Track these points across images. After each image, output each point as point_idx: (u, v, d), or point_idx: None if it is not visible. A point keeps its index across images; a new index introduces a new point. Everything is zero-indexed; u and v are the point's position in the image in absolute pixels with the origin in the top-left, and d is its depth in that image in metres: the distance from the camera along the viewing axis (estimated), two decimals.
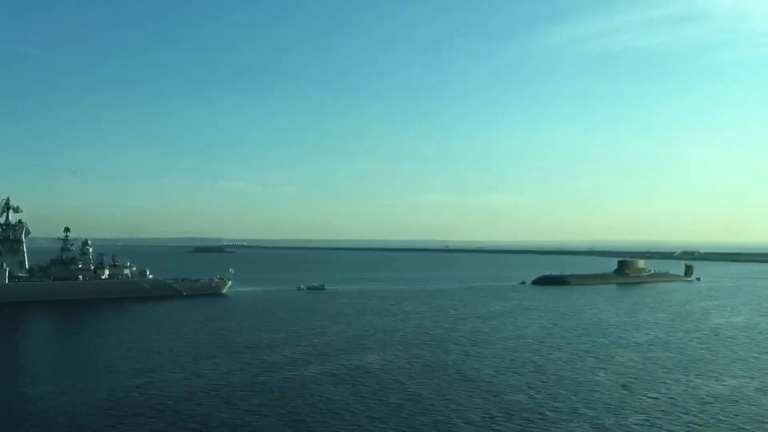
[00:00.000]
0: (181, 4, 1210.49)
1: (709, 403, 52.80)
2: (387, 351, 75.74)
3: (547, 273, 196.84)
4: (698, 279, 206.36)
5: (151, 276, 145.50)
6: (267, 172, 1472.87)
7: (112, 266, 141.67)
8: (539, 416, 48.65)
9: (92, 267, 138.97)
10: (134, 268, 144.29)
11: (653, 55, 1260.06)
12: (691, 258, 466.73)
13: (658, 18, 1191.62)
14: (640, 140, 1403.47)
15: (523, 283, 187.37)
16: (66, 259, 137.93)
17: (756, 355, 75.07)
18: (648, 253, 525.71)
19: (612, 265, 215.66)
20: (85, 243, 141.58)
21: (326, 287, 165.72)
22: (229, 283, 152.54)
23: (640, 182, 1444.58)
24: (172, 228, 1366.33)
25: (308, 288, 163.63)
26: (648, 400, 53.63)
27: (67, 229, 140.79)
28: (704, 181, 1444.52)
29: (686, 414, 49.53)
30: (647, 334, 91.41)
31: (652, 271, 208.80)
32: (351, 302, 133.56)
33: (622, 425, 46.57)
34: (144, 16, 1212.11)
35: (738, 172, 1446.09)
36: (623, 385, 58.56)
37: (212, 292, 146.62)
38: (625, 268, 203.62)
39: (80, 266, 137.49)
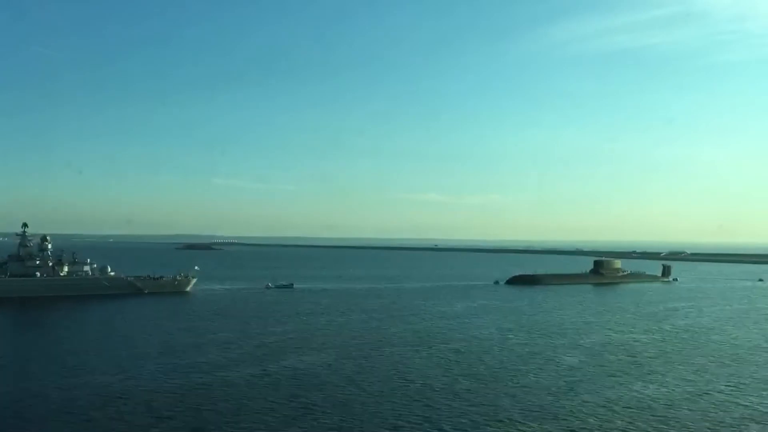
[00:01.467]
0: (179, 2, 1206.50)
1: (639, 408, 50.80)
2: (326, 352, 73.42)
3: (521, 272, 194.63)
4: (675, 279, 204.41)
5: (112, 273, 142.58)
6: (264, 170, 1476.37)
7: (72, 263, 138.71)
8: (450, 420, 46.47)
9: (50, 264, 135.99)
10: (95, 265, 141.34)
11: (651, 56, 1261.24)
12: (678, 258, 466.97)
13: (656, 18, 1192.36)
14: (637, 140, 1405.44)
15: (497, 282, 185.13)
16: (23, 255, 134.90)
17: (705, 358, 73.04)
18: (635, 253, 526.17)
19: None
20: (43, 239, 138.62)
21: (295, 285, 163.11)
22: (194, 280, 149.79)
23: (636, 182, 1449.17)
24: (166, 225, 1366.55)
25: (276, 286, 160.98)
26: (577, 404, 51.51)
27: (24, 225, 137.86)
28: (700, 182, 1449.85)
29: (609, 421, 47.39)
30: (605, 335, 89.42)
31: (628, 272, 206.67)
32: (315, 301, 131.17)
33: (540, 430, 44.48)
34: (142, 15, 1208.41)
35: (734, 173, 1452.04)
36: (556, 389, 56.44)
37: (175, 290, 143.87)
38: (601, 268, 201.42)
39: (38, 263, 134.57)
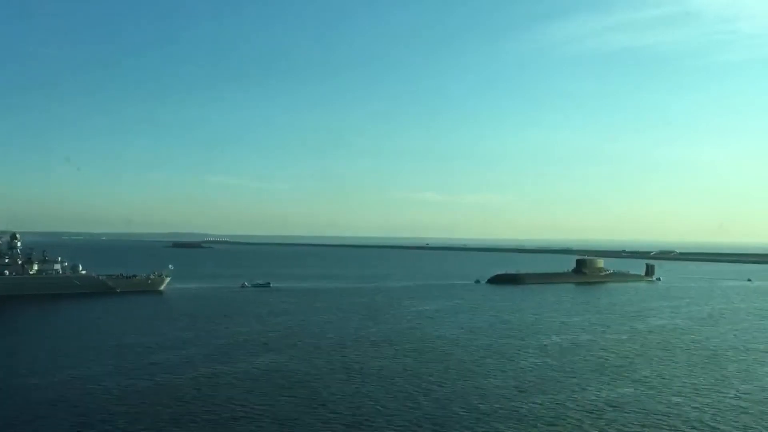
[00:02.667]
0: (177, 3, 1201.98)
1: (589, 410, 49.33)
2: (282, 352, 71.66)
3: (506, 272, 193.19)
4: (658, 279, 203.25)
5: (84, 272, 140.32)
6: (262, 169, 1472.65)
7: (42, 261, 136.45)
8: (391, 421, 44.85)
9: (20, 262, 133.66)
10: (66, 264, 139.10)
11: (648, 56, 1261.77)
12: (668, 258, 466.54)
13: (651, 18, 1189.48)
14: (635, 140, 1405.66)
15: (477, 281, 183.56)
16: None
17: (668, 359, 71.57)
18: (624, 252, 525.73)
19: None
20: (12, 237, 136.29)
21: (272, 285, 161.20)
22: (167, 279, 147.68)
23: (634, 182, 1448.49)
24: (162, 223, 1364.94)
25: (253, 285, 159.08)
26: (525, 406, 49.92)
27: None
28: (698, 181, 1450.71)
29: (554, 425, 45.80)
30: (574, 335, 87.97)
31: (611, 271, 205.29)
32: (289, 300, 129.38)
33: None
34: (142, 15, 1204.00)
35: (732, 173, 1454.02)
36: (508, 391, 54.91)
37: (148, 289, 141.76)
38: (583, 267, 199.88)
39: (6, 261, 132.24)
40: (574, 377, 61.23)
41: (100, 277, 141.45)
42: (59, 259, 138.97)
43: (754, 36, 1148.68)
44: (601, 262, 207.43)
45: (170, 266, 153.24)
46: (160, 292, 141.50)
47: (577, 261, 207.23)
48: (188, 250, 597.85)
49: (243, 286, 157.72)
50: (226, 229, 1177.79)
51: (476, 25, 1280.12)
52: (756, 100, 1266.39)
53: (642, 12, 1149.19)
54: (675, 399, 53.45)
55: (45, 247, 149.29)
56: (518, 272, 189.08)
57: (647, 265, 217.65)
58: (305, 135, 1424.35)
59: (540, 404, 50.98)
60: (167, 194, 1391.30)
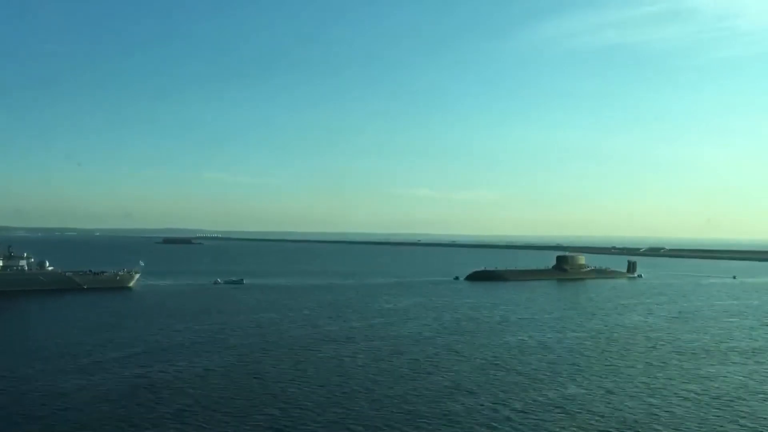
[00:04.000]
0: (177, 1, 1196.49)
1: (530, 411, 47.32)
2: (219, 354, 68.87)
3: (482, 268, 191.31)
4: (640, 276, 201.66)
5: (51, 268, 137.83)
6: (259, 166, 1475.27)
7: (7, 257, 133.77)
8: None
9: None
10: (32, 260, 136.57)
11: (643, 53, 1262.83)
12: (657, 254, 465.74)
13: (647, 14, 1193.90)
14: (630, 137, 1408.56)
15: (456, 278, 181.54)
16: None
17: (622, 359, 69.62)
18: (614, 248, 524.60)
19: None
20: None
21: (245, 281, 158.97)
22: (137, 276, 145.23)
23: (627, 179, 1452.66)
24: (157, 219, 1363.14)
25: (225, 282, 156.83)
26: (463, 407, 47.94)
27: None
28: (694, 179, 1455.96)
29: (491, 428, 43.82)
30: (540, 333, 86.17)
31: (592, 267, 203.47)
32: (259, 297, 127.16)
33: None
34: (139, 13, 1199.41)
35: (728, 170, 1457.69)
36: (441, 393, 52.89)
37: (117, 286, 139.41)
38: (564, 263, 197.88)
39: None
40: (523, 376, 59.37)
41: (67, 273, 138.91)
42: (25, 255, 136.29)
43: (751, 33, 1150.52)
44: (582, 259, 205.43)
45: (141, 263, 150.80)
46: (129, 289, 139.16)
47: (558, 258, 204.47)
48: (177, 246, 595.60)
49: (215, 282, 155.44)
50: (223, 225, 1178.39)
51: (472, 24, 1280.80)
52: (752, 98, 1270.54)
53: (638, 9, 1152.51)
54: (618, 399, 51.54)
55: (38, 243, 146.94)
56: (497, 269, 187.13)
57: (629, 262, 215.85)
58: (303, 133, 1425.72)
59: (473, 405, 49.06)
60: (164, 191, 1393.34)
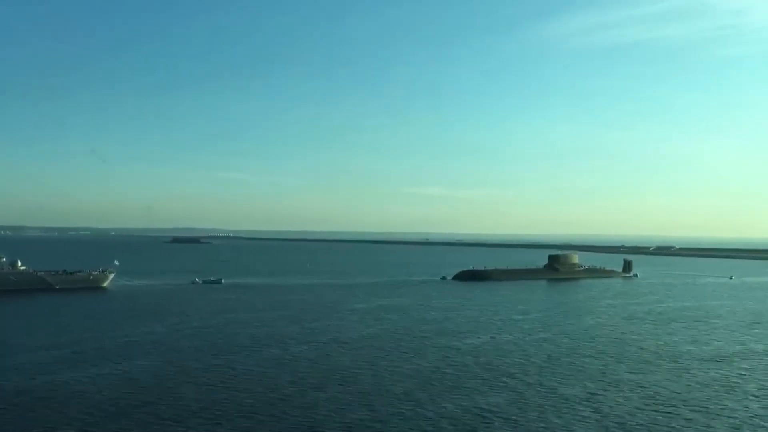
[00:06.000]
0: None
1: (466, 419, 44.01)
2: (154, 357, 66.39)
3: (470, 267, 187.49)
4: (635, 275, 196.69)
5: (23, 268, 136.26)
6: (269, 164, 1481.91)
7: None
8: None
9: None
10: (4, 260, 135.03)
11: (653, 50, 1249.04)
12: (667, 253, 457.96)
13: (657, 12, 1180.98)
14: (639, 135, 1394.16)
15: (444, 278, 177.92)
16: None
17: (569, 365, 65.79)
18: (623, 247, 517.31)
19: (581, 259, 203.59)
20: None
21: (224, 281, 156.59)
22: (111, 276, 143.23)
23: (638, 177, 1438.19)
24: (171, 218, 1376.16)
25: (204, 282, 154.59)
26: (401, 414, 44.70)
27: None
28: (705, 176, 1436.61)
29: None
30: (509, 335, 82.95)
31: (585, 267, 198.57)
32: (231, 298, 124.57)
33: None
34: (139, 11, 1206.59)
35: (741, 168, 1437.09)
36: (384, 397, 49.73)
37: (90, 286, 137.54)
38: (556, 262, 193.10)
39: None
40: (457, 381, 56.07)
41: (39, 273, 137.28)
42: None
43: (759, 30, 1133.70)
44: (575, 258, 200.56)
45: (116, 262, 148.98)
46: (103, 289, 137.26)
47: (550, 257, 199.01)
48: (184, 245, 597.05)
49: (193, 282, 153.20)
50: (237, 225, 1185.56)
51: (482, 20, 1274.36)
52: (760, 95, 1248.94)
53: (649, 5, 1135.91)
54: (535, 412, 47.99)
55: (44, 242, 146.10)
56: (485, 268, 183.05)
57: (625, 261, 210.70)
58: (310, 129, 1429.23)
59: (413, 414, 45.84)
60: (180, 190, 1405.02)
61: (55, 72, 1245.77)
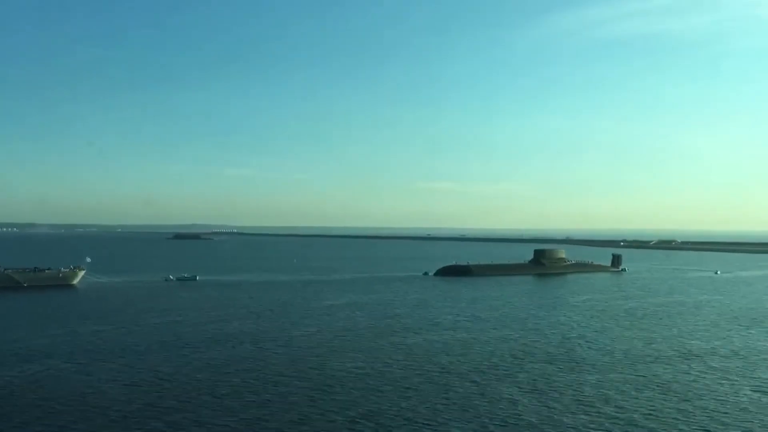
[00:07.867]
0: None
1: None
2: (116, 359, 63.65)
3: (452, 263, 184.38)
4: (624, 270, 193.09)
5: None
6: (276, 159, 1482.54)
7: None
8: None
9: None
10: None
11: (660, 43, 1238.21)
12: (668, 247, 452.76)
13: (665, 4, 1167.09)
14: (647, 129, 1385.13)
15: (426, 273, 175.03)
16: None
17: (507, 368, 62.93)
18: (624, 241, 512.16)
19: (573, 253, 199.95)
20: None
21: (198, 278, 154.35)
22: (81, 273, 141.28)
23: (645, 171, 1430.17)
24: (178, 214, 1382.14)
25: (177, 279, 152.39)
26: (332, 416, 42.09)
27: None
28: (711, 169, 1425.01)
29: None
30: (470, 333, 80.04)
31: (572, 261, 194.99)
32: (201, 295, 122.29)
33: None
34: (141, 9, 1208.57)
35: (748, 161, 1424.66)
36: (292, 399, 47.11)
37: (60, 284, 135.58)
38: (542, 257, 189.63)
39: None
40: (390, 383, 53.46)
41: (6, 271, 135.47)
42: None
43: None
44: (562, 253, 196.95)
45: (87, 259, 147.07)
46: (72, 287, 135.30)
47: (535, 251, 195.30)
48: (185, 241, 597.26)
49: (167, 279, 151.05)
50: (245, 221, 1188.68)
51: (490, 12, 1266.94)
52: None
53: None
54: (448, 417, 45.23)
55: (47, 239, 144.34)
56: (468, 263, 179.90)
57: (613, 255, 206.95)
58: (316, 124, 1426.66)
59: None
60: (187, 186, 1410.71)
61: (58, 70, 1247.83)
